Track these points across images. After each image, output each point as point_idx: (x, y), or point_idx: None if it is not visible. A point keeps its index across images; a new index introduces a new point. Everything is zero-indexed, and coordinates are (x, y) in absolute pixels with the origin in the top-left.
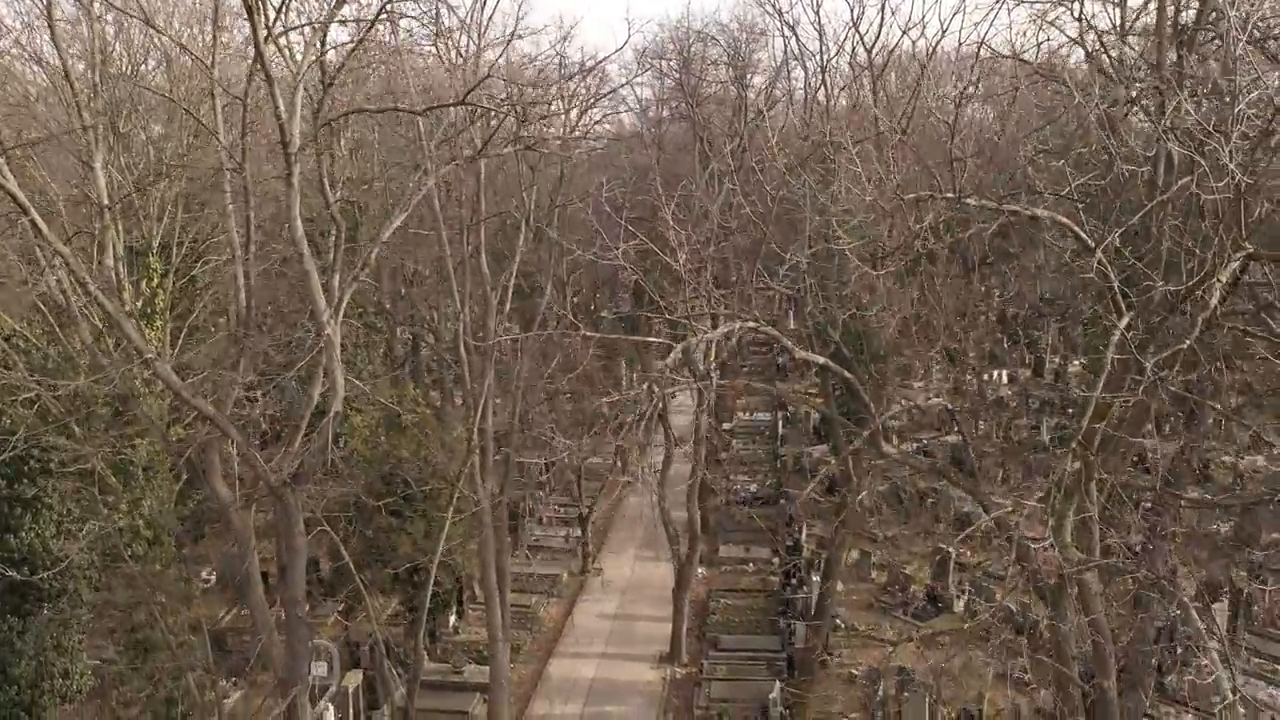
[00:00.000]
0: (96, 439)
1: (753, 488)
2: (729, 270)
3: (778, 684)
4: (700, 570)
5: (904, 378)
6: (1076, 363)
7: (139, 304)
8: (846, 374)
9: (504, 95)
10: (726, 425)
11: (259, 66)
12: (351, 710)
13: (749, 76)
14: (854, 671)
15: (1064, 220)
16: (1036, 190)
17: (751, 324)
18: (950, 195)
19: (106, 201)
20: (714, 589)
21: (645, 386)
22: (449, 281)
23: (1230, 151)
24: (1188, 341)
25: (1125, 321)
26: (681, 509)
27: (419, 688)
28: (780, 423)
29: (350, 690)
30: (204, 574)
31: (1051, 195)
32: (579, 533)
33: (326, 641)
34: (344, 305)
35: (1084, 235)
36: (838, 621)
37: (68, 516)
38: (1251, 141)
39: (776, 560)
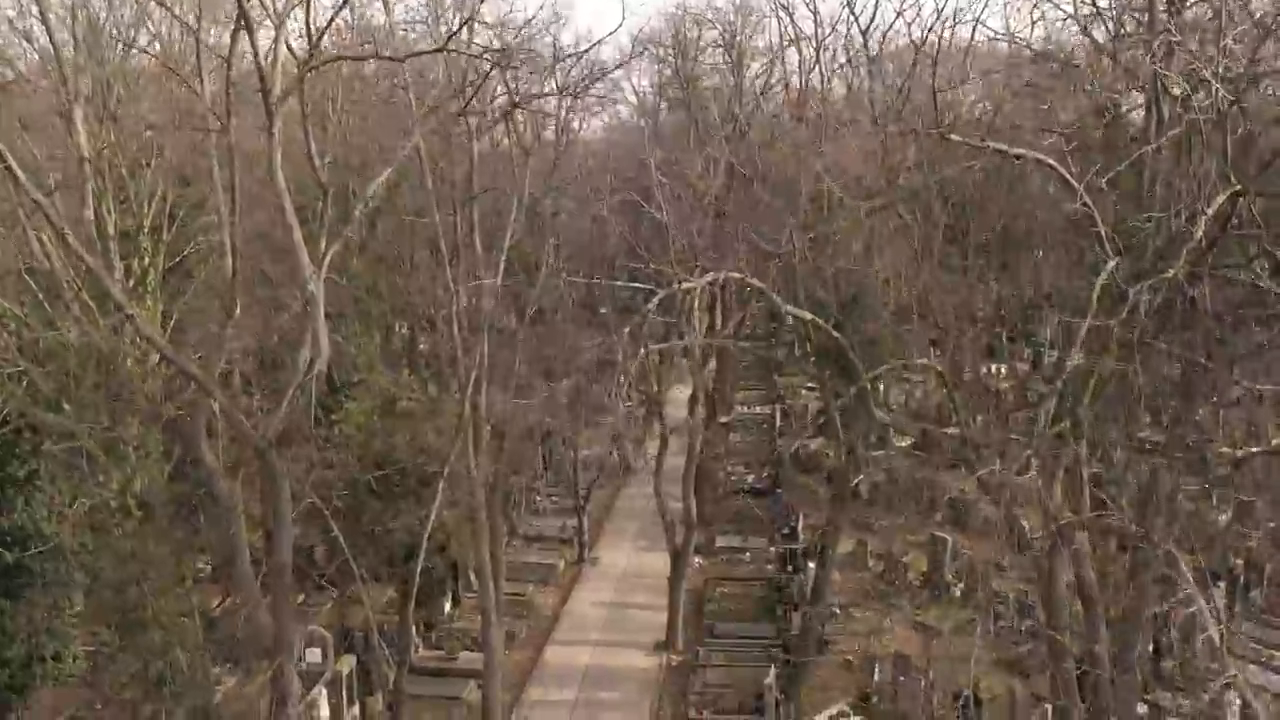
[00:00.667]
0: (87, 415)
1: (750, 479)
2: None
3: (773, 669)
4: (697, 560)
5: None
6: (1077, 356)
7: (130, 283)
8: (834, 333)
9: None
10: (724, 419)
11: (239, 11)
12: (344, 695)
13: (746, 61)
14: (850, 658)
15: (1047, 159)
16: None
17: (736, 274)
18: (934, 130)
19: (86, 153)
20: (710, 578)
21: (626, 332)
22: (442, 265)
23: (1216, 72)
24: (1173, 270)
25: (1114, 263)
26: (679, 500)
27: (413, 674)
28: (778, 415)
29: (344, 675)
30: (199, 564)
31: (1041, 139)
32: (575, 522)
33: (320, 628)
34: (327, 262)
35: (1068, 175)
36: (834, 609)
37: (60, 499)
38: (1245, 48)
39: (773, 549)
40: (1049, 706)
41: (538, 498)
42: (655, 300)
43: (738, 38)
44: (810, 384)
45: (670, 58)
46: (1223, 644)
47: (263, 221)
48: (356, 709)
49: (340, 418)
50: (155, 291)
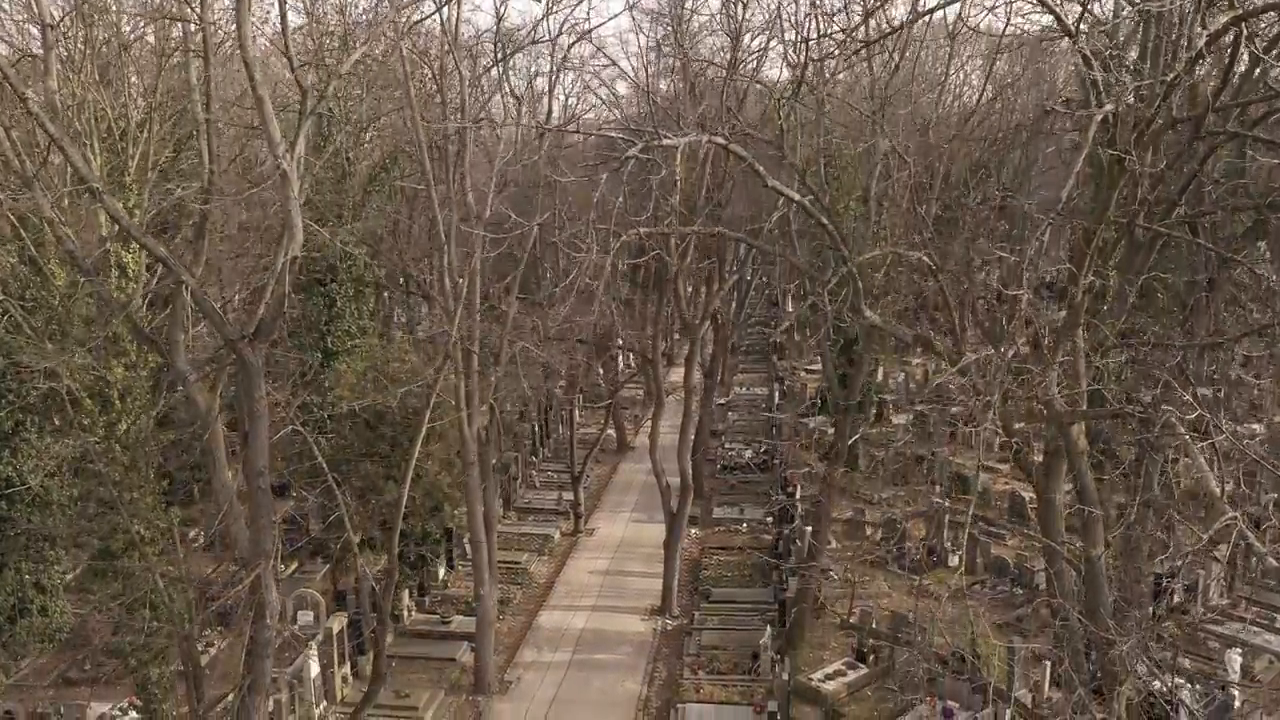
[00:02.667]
0: (72, 357)
1: (747, 454)
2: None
3: (769, 629)
4: (693, 531)
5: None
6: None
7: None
8: (824, 220)
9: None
10: (722, 400)
11: None
12: (336, 653)
13: (743, 35)
14: (847, 619)
15: None
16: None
17: (721, 141)
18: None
19: (50, 20)
20: (707, 547)
21: (605, 178)
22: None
23: None
24: (1158, 102)
25: (1105, 109)
26: (673, 479)
27: (407, 638)
28: (776, 394)
29: (334, 632)
30: (191, 535)
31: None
32: (571, 496)
33: (313, 591)
34: (302, 140)
35: (1060, 15)
36: (831, 573)
37: (46, 452)
38: None
39: (770, 520)
40: (1048, 663)
41: (534, 473)
42: (637, 148)
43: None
44: (810, 366)
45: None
46: (1222, 494)
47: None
48: (348, 667)
49: (332, 381)
50: (139, 190)
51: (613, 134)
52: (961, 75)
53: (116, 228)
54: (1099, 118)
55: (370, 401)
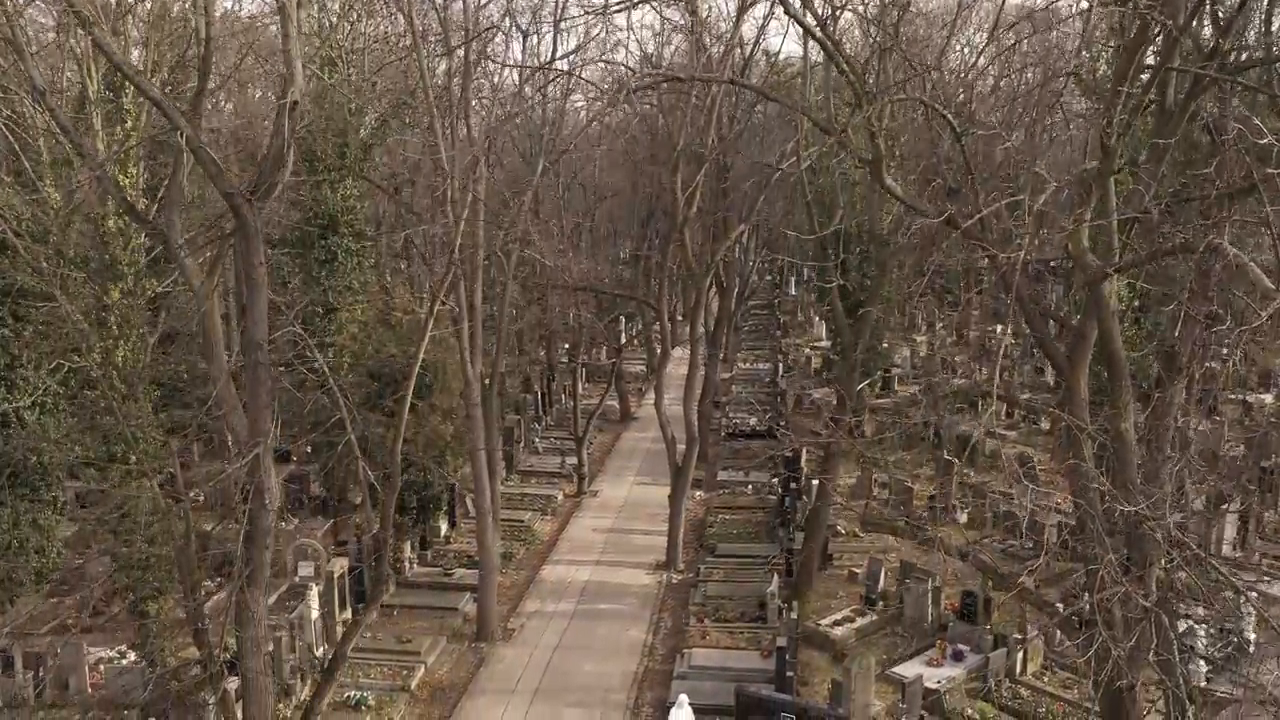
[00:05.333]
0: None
1: (752, 420)
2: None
3: (776, 577)
4: (697, 494)
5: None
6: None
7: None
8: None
9: None
10: (726, 375)
11: None
12: (337, 598)
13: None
14: (854, 570)
15: None
16: None
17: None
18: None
19: None
20: (712, 507)
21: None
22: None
23: None
24: None
25: None
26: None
27: (410, 589)
28: (780, 366)
29: (335, 576)
30: (192, 494)
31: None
32: (575, 460)
33: (314, 541)
34: None
35: None
36: (839, 528)
37: (45, 390)
38: None
39: (775, 480)
40: (1060, 605)
41: (536, 440)
42: (643, 77)
43: None
44: (813, 343)
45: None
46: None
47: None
48: (348, 612)
49: (335, 328)
50: (137, 162)
51: (621, 65)
52: (967, 49)
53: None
54: None
55: (372, 350)
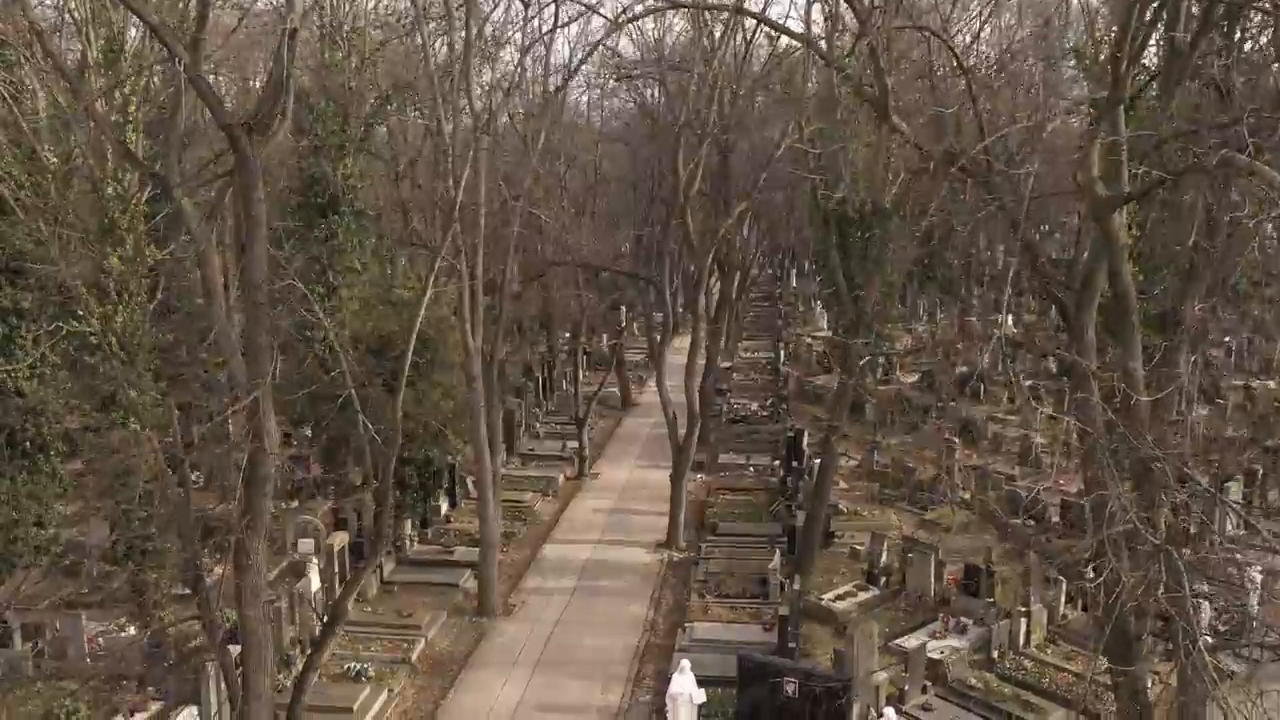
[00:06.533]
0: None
1: (753, 405)
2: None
3: (778, 552)
4: (699, 476)
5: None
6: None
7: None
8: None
9: None
10: (728, 363)
11: None
12: (337, 569)
13: None
14: (856, 547)
15: None
16: None
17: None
18: None
19: None
20: (714, 489)
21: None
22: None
23: None
24: None
25: None
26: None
27: (410, 566)
28: (781, 354)
29: (335, 549)
30: (194, 477)
31: None
32: (575, 444)
33: (313, 518)
34: None
35: None
36: (840, 506)
37: (42, 361)
38: None
39: (777, 463)
40: (1063, 582)
41: (538, 424)
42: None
43: None
44: (814, 333)
45: None
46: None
47: None
48: None
49: (337, 304)
50: (137, 124)
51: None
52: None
53: None
54: None
55: (372, 326)
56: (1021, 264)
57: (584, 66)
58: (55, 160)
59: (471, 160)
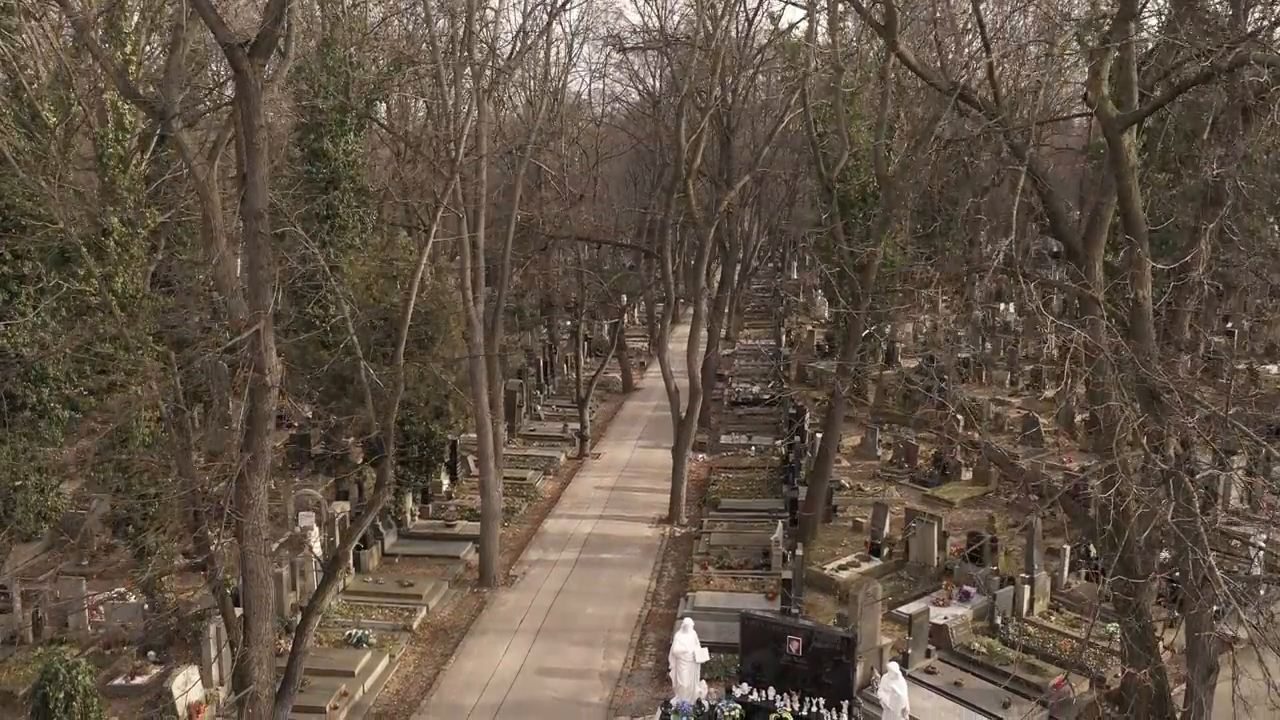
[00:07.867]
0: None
1: (755, 389)
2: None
3: (780, 525)
4: (701, 456)
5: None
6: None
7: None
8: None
9: None
10: (729, 350)
11: None
12: (339, 540)
13: None
14: (859, 520)
15: None
16: None
17: None
18: None
19: None
20: (715, 468)
21: None
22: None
23: None
24: None
25: None
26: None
27: (412, 539)
28: (783, 339)
29: (336, 519)
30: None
31: None
32: (577, 425)
33: (314, 491)
34: None
35: None
36: (843, 482)
37: (42, 325)
38: None
39: (779, 442)
40: (1066, 547)
41: (539, 407)
42: None
43: None
44: (815, 321)
45: None
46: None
47: None
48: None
49: (338, 279)
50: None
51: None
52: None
53: None
54: None
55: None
56: (1028, 193)
57: (585, 51)
58: (55, 120)
59: (473, 122)
